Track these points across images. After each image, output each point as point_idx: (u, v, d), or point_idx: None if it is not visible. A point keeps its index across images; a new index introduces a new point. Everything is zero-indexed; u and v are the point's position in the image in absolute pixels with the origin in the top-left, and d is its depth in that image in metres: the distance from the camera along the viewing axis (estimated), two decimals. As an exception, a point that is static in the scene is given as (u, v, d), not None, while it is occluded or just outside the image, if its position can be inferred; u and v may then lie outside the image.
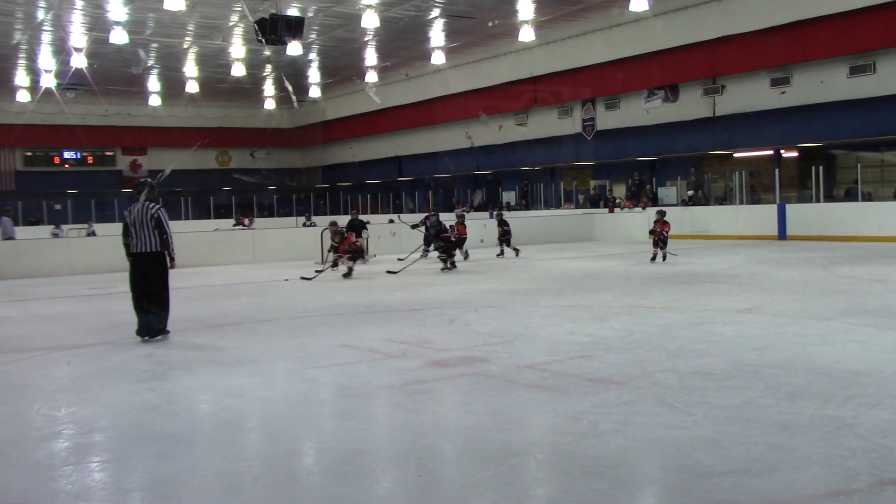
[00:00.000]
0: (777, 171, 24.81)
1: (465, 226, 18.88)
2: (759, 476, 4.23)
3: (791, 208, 23.55)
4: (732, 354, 7.21)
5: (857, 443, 4.71)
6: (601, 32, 27.86)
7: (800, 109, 24.02)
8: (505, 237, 20.53)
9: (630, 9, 22.88)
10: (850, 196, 23.85)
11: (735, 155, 26.88)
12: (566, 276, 15.00)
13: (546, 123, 32.71)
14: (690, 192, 27.16)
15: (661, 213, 17.49)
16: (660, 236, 17.04)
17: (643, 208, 27.63)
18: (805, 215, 23.14)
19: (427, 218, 18.64)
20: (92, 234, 25.13)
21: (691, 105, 27.11)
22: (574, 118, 31.55)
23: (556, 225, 27.66)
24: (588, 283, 13.83)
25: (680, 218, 26.28)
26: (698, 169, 27.71)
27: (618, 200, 29.45)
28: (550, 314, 10.17)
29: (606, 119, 30.27)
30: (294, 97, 36.63)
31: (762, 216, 24.05)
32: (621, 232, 27.22)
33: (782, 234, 23.29)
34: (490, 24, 26.09)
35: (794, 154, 25.87)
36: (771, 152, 25.51)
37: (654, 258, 17.05)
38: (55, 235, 24.95)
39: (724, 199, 27.07)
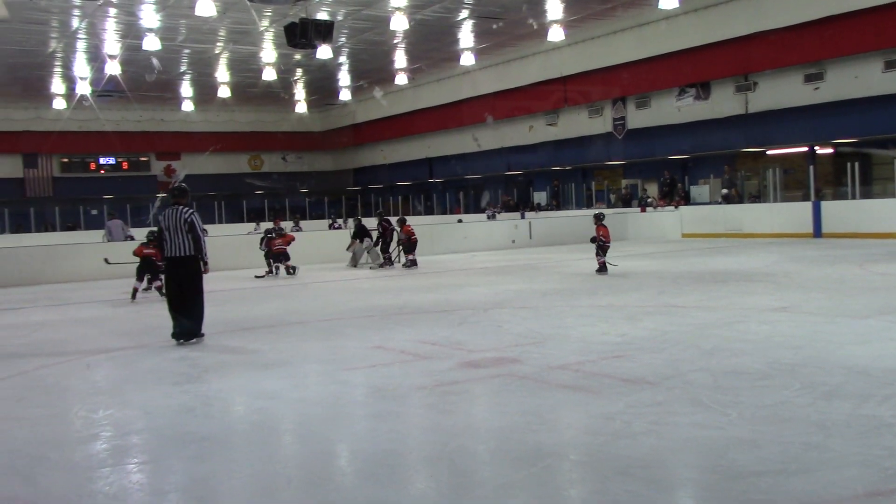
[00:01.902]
0: (812, 167, 24.48)
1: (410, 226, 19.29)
2: (795, 476, 4.18)
3: (826, 205, 23.24)
4: (767, 353, 7.14)
5: (895, 442, 4.64)
6: (631, 31, 27.69)
7: (834, 105, 23.69)
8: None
9: (660, 6, 22.70)
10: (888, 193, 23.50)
11: (768, 152, 26.57)
12: (598, 276, 14.92)
13: (576, 123, 32.57)
14: (725, 191, 26.90)
15: (598, 217, 15.72)
16: (598, 241, 15.40)
17: (675, 207, 27.43)
18: (841, 212, 22.82)
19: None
20: (129, 238, 25.40)
21: (723, 102, 26.85)
22: (604, 117, 31.39)
23: (587, 225, 27.39)
24: (620, 282, 13.76)
25: (713, 216, 26.11)
26: (732, 167, 27.45)
27: (650, 200, 29.24)
28: (583, 314, 10.14)
29: (637, 118, 30.08)
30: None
31: (797, 214, 23.76)
32: (653, 231, 27.04)
33: (817, 232, 23.00)
34: (527, 22, 26.01)
35: (829, 150, 25.53)
36: (805, 149, 25.17)
37: (600, 269, 15.19)
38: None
39: (758, 197, 26.78)
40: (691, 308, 10.24)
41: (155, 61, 28.45)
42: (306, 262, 20.71)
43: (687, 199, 28.19)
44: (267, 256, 18.14)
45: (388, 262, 19.16)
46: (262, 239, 18.55)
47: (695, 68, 26.66)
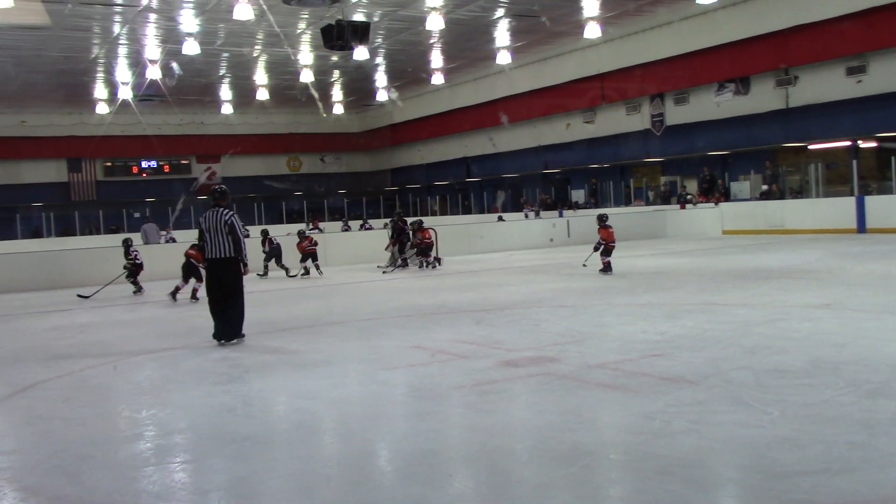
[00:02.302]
0: (855, 162, 24.07)
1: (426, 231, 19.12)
2: (839, 476, 4.12)
3: (870, 200, 22.81)
4: (810, 351, 7.04)
5: (942, 441, 4.56)
6: (668, 26, 27.45)
7: (877, 98, 23.27)
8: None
9: (697, 1, 22.49)
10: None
11: (810, 147, 26.18)
12: (637, 274, 14.82)
13: (614, 120, 32.38)
14: (765, 187, 26.55)
15: (601, 219, 15.41)
16: (598, 244, 15.26)
17: (715, 204, 27.13)
18: (885, 207, 22.39)
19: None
20: (171, 240, 25.76)
21: (763, 97, 26.52)
22: (642, 114, 31.16)
23: (625, 222, 27.23)
24: (659, 280, 13.65)
25: (754, 213, 25.78)
26: (773, 162, 27.08)
27: (689, 196, 28.95)
28: (621, 312, 10.08)
29: (676, 114, 29.81)
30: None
31: (840, 209, 23.36)
32: (693, 228, 26.79)
33: (861, 228, 22.59)
34: (563, 19, 25.91)
35: (873, 144, 25.08)
36: (848, 143, 24.75)
37: (604, 268, 15.00)
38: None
39: (800, 193, 26.40)
40: (732, 306, 10.13)
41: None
42: (342, 263, 20.87)
43: (727, 196, 27.87)
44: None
45: (403, 263, 19.13)
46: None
47: (734, 63, 26.36)
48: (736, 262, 16.02)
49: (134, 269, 16.28)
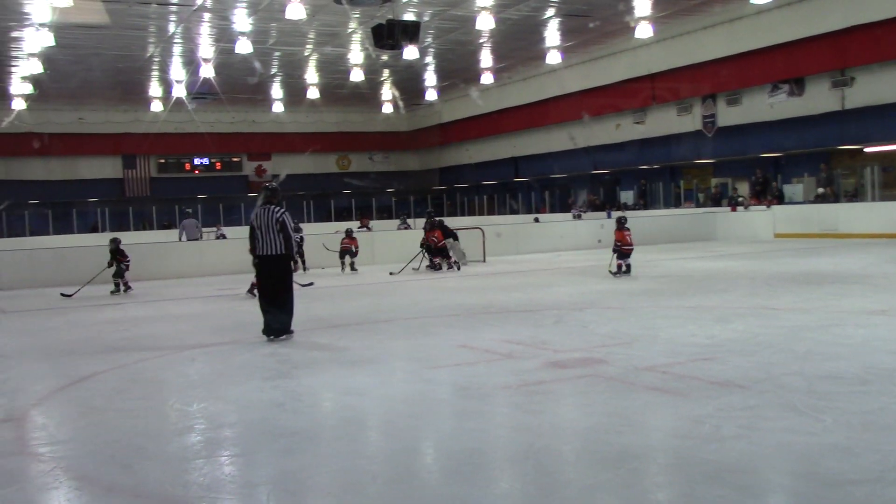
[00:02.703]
0: (913, 165, 23.55)
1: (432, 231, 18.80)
2: (894, 486, 4.04)
3: (929, 204, 22.28)
4: (865, 358, 6.90)
5: None
6: (721, 26, 27.10)
7: (937, 100, 22.74)
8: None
9: (752, 1, 22.15)
10: None
11: (866, 149, 25.62)
12: (687, 277, 14.66)
13: (664, 121, 32.03)
14: (820, 190, 26.06)
15: (620, 222, 15.52)
16: (615, 245, 15.26)
17: (768, 206, 26.69)
18: (944, 211, 21.85)
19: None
20: (222, 236, 26.13)
21: (818, 98, 26.02)
22: (694, 115, 30.78)
23: (675, 224, 27.06)
24: (710, 283, 13.48)
25: (807, 216, 25.31)
26: (827, 165, 26.57)
27: (741, 199, 28.51)
28: (670, 315, 9.98)
29: (728, 115, 29.40)
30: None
31: (896, 213, 22.85)
32: (744, 231, 26.39)
33: (919, 232, 22.08)
34: (614, 19, 25.73)
35: (932, 147, 24.49)
36: (906, 146, 24.22)
37: (617, 271, 15.09)
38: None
39: (855, 196, 25.86)
40: (784, 310, 9.96)
41: (258, 64, 29.21)
42: (391, 261, 20.91)
43: (780, 198, 27.41)
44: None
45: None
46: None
47: (788, 64, 25.91)
48: (788, 266, 15.75)
49: (124, 269, 16.17)
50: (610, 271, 15.24)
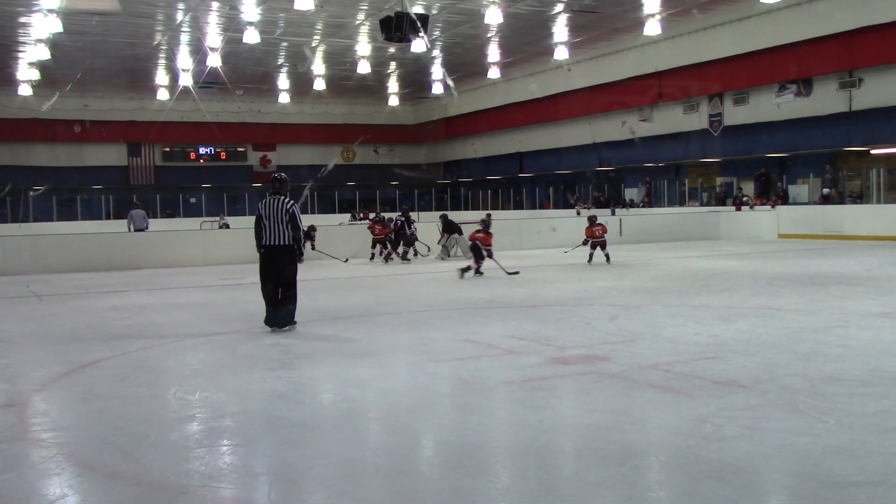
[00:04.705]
0: (920, 168, 23.48)
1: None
2: (896, 489, 4.03)
3: (934, 207, 22.22)
4: (869, 360, 6.89)
5: None
6: (730, 25, 27.03)
7: (945, 103, 22.65)
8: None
9: (761, 0, 22.08)
10: None
11: (872, 151, 25.56)
12: (690, 276, 14.64)
13: (671, 119, 31.98)
14: (825, 190, 26.00)
15: (590, 220, 17.59)
16: (585, 240, 17.48)
17: (772, 206, 26.64)
18: (950, 215, 21.79)
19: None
20: (225, 226, 26.11)
21: (825, 99, 25.94)
22: (700, 113, 30.72)
23: (679, 223, 27.02)
24: (713, 282, 13.46)
25: (812, 217, 25.26)
26: (833, 166, 26.51)
27: (745, 198, 28.45)
28: (674, 314, 9.97)
29: (734, 114, 29.33)
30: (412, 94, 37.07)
31: (902, 215, 22.80)
32: (748, 231, 26.36)
33: (925, 235, 22.03)
34: (623, 16, 25.67)
35: (939, 150, 24.41)
36: (913, 149, 24.15)
37: (590, 259, 17.20)
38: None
39: (860, 198, 25.80)
40: (787, 311, 9.95)
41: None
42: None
43: (785, 199, 27.36)
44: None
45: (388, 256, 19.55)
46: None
47: (796, 64, 25.84)
48: (792, 267, 15.73)
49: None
50: (565, 252, 18.36)
